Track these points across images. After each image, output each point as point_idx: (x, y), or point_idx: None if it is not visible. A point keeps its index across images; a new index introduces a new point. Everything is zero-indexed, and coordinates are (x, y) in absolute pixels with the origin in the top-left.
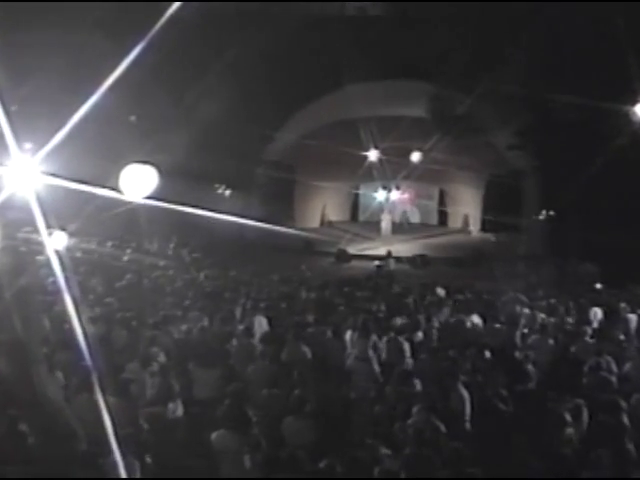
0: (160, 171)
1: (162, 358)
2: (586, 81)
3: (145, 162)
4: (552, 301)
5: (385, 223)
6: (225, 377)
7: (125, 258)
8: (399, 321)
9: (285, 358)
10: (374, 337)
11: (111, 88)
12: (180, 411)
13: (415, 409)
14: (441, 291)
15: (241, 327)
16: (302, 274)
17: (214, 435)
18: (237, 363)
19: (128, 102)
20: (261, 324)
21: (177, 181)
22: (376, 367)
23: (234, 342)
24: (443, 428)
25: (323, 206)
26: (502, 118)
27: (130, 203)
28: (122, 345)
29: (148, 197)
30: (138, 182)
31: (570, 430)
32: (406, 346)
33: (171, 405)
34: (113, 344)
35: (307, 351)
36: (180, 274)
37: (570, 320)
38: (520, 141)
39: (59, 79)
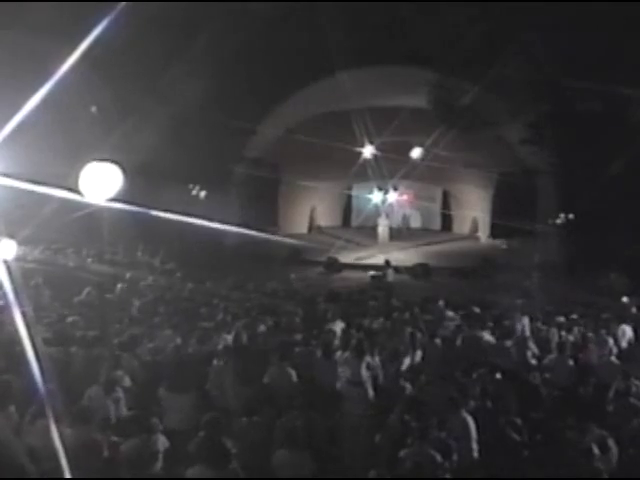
0: (125, 170)
1: (127, 382)
2: (611, 65)
3: (108, 160)
4: (572, 316)
5: (382, 229)
6: (200, 404)
7: (85, 269)
8: (397, 340)
9: (268, 381)
10: (369, 358)
11: (68, 75)
12: (161, 445)
13: (414, 439)
14: (445, 305)
15: (219, 347)
16: (288, 286)
17: (189, 472)
18: (214, 388)
19: (88, 91)
20: (226, 342)
21: (145, 181)
22: (370, 392)
23: (210, 364)
24: (445, 461)
25: (311, 209)
26: (514, 109)
27: (91, 206)
28: (81, 368)
29: (112, 199)
30: (100, 182)
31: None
32: (405, 368)
33: (145, 437)
34: (71, 367)
35: (292, 374)
36: (149, 287)
37: (593, 338)
38: (535, 135)
39: (5, 64)
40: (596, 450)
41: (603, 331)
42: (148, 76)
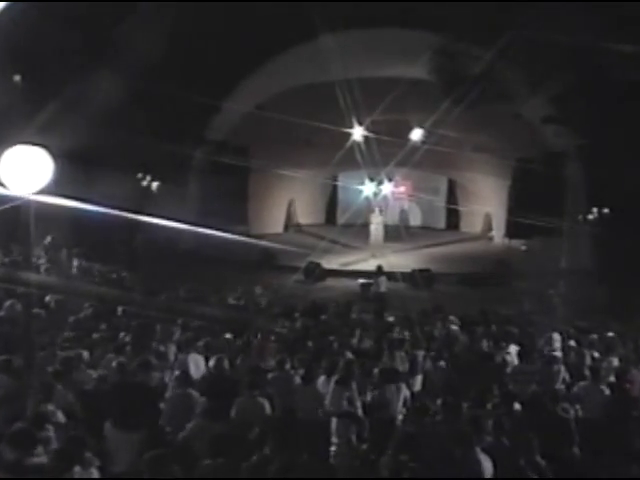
0: (56, 155)
1: (61, 418)
2: None
3: (35, 143)
4: (608, 334)
5: (375, 227)
6: (152, 442)
7: (7, 277)
8: (393, 362)
9: (235, 414)
10: (358, 384)
11: None
12: None
13: None
14: (452, 320)
15: (176, 372)
16: (259, 297)
17: None
18: (169, 422)
19: (9, 55)
20: (198, 365)
21: (81, 169)
22: (360, 426)
23: (165, 393)
24: None
25: (288, 203)
26: (534, 79)
27: (15, 199)
28: (1, 402)
29: (40, 191)
30: (25, 171)
31: None
32: (403, 396)
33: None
34: None
35: (265, 404)
36: (87, 299)
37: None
38: (559, 111)
39: None
40: None
41: None
42: (86, 37)
